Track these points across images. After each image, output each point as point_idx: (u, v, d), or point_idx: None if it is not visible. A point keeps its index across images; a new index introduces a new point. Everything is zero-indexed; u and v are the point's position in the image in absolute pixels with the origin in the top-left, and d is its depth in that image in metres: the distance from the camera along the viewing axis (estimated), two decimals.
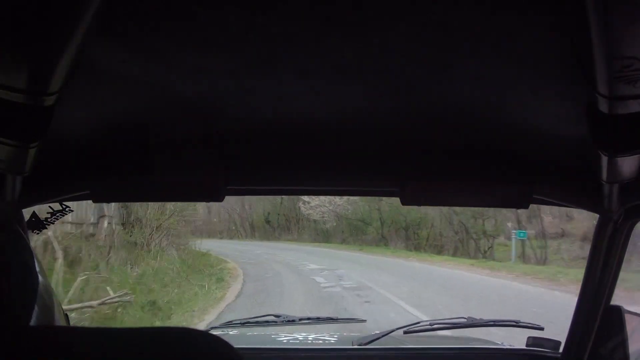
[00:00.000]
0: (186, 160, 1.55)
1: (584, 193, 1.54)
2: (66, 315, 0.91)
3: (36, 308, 0.62)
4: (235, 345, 0.66)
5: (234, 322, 2.36)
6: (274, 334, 2.49)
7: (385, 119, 1.40)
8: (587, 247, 1.71)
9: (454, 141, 1.53)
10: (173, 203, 11.50)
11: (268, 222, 30.96)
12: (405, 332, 2.20)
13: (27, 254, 0.66)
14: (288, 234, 29.75)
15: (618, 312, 1.60)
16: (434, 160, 1.56)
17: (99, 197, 1.60)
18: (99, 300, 8.06)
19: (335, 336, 2.35)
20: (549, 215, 18.48)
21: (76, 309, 7.45)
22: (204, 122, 1.42)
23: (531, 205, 1.63)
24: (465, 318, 2.24)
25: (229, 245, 21.68)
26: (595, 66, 0.79)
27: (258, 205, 30.05)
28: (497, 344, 2.23)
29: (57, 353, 0.57)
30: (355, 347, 2.09)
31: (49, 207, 1.57)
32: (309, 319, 2.40)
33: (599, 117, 0.93)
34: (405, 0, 0.85)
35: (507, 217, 18.88)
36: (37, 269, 0.66)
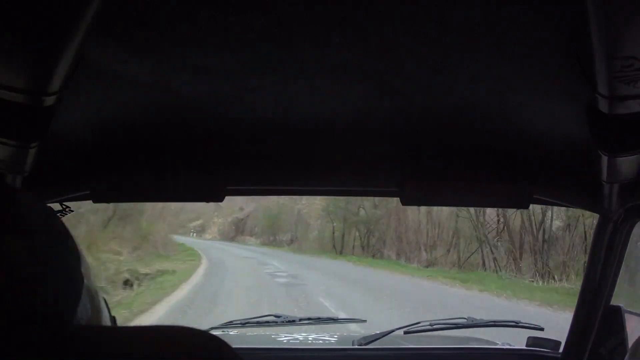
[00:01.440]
0: (186, 160, 1.55)
1: (584, 193, 1.54)
2: (113, 319, 0.90)
3: (78, 313, 0.62)
4: (235, 346, 0.66)
5: (234, 322, 2.36)
6: (274, 334, 2.48)
7: (385, 119, 1.40)
8: None
9: (454, 141, 1.53)
10: None
11: None
12: (405, 332, 2.20)
13: (72, 254, 0.65)
14: None
15: (618, 312, 1.60)
16: (434, 160, 1.56)
17: (99, 197, 1.60)
18: None
19: (336, 336, 2.35)
20: None
21: None
22: (204, 122, 1.42)
23: None
24: (465, 318, 2.24)
25: None
26: (595, 66, 0.79)
27: None
28: (497, 344, 2.23)
29: (52, 351, 0.58)
30: (356, 347, 2.09)
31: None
32: (309, 319, 2.39)
33: (599, 117, 0.93)
34: (405, 1, 0.85)
35: None
36: (83, 270, 0.65)
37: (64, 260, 0.62)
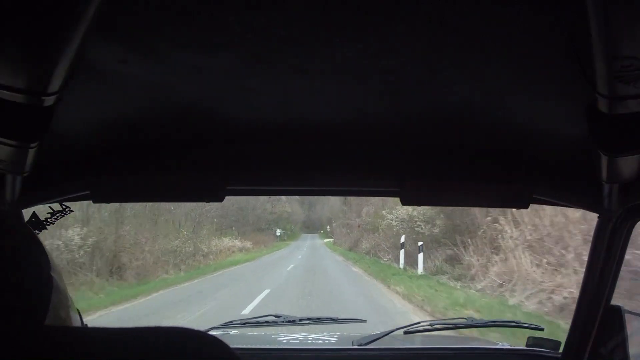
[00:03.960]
0: (186, 160, 1.55)
1: (584, 193, 1.54)
2: (80, 315, 0.92)
3: (50, 310, 0.63)
4: (236, 346, 0.66)
5: (234, 323, 2.36)
6: (274, 334, 2.49)
7: (385, 119, 1.40)
8: None
9: (454, 141, 1.53)
10: None
11: None
12: (405, 332, 2.20)
13: (40, 255, 0.66)
14: None
15: (618, 312, 1.59)
16: (434, 160, 1.57)
17: (99, 197, 1.60)
18: None
19: (335, 336, 2.35)
20: None
21: None
22: (204, 122, 1.42)
23: None
24: (465, 318, 2.24)
25: None
26: (595, 66, 0.79)
27: None
28: (497, 344, 2.23)
29: (50, 352, 0.58)
30: (355, 347, 2.09)
31: (49, 207, 1.57)
32: (309, 319, 2.39)
33: (599, 117, 0.93)
34: (405, 2, 0.85)
35: None
36: (52, 270, 0.66)
37: (32, 262, 0.62)
